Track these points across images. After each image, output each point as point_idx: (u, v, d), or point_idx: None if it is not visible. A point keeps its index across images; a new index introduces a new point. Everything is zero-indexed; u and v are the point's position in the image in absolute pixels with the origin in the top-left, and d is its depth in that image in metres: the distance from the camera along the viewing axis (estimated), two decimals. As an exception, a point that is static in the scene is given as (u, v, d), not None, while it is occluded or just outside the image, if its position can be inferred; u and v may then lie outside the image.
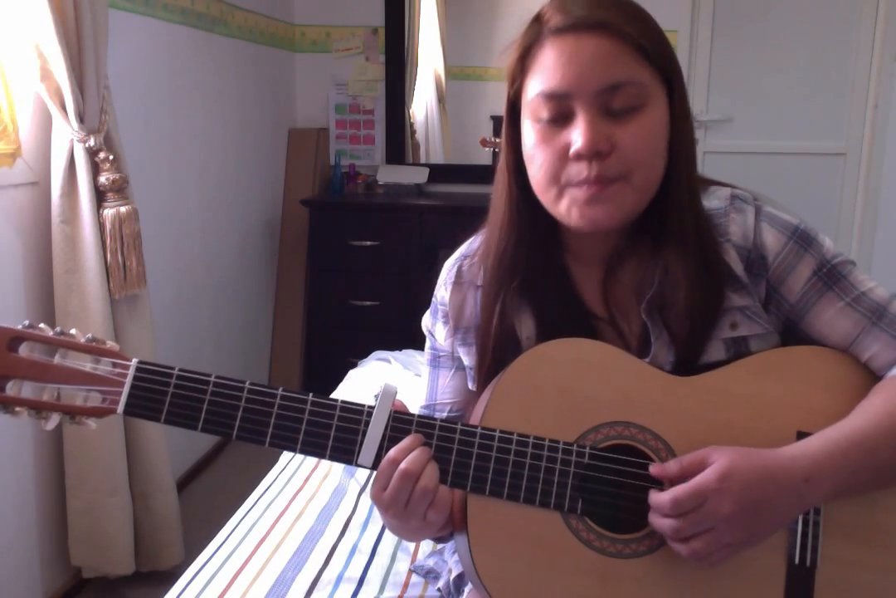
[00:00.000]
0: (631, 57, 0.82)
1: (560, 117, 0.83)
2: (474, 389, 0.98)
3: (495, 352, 0.93)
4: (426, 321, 1.05)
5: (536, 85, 0.84)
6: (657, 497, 0.79)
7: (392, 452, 0.82)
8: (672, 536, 0.78)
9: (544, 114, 0.84)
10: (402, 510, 0.82)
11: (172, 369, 0.82)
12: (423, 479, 0.81)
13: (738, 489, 0.76)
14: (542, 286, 0.93)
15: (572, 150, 0.82)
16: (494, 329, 0.92)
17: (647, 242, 0.90)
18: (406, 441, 0.83)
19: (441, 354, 1.03)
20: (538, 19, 0.86)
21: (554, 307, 0.93)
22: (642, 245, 0.90)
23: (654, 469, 0.82)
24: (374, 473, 0.84)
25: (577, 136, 0.81)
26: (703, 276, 0.87)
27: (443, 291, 1.01)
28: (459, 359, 1.00)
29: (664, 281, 0.88)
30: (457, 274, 0.99)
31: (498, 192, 0.94)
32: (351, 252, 3.24)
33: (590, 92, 0.81)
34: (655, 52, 0.83)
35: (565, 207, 0.85)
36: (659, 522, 0.79)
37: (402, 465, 0.81)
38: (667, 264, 0.87)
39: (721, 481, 0.76)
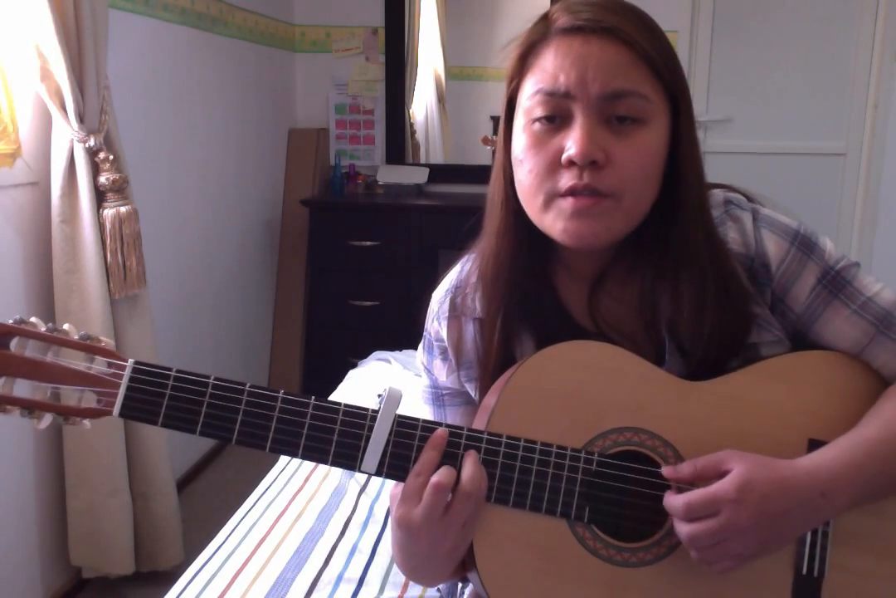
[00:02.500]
0: (638, 68, 0.77)
1: (556, 118, 0.78)
2: None
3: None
4: (421, 358, 1.00)
5: (536, 83, 0.79)
6: (670, 500, 0.78)
7: (418, 467, 0.78)
8: (687, 543, 0.77)
9: (539, 111, 0.78)
10: (438, 522, 0.77)
11: (170, 370, 0.78)
12: (463, 485, 0.77)
13: (756, 502, 0.74)
14: (537, 305, 0.89)
15: (565, 155, 0.76)
16: (495, 359, 0.89)
17: (647, 260, 0.85)
18: (422, 463, 0.78)
19: (444, 392, 0.98)
20: (545, 18, 0.82)
21: (548, 326, 0.89)
22: (642, 264, 0.86)
23: (666, 471, 0.79)
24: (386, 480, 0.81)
25: (571, 142, 0.76)
26: (723, 300, 0.83)
27: (436, 325, 0.95)
28: (466, 393, 0.97)
29: (675, 304, 0.83)
30: (450, 307, 0.94)
31: (494, 198, 0.88)
32: (351, 252, 3.24)
33: (592, 96, 0.76)
34: (664, 66, 0.78)
35: (550, 220, 0.80)
36: (677, 526, 0.77)
37: (434, 478, 0.77)
38: (677, 287, 0.83)
39: (739, 492, 0.74)
